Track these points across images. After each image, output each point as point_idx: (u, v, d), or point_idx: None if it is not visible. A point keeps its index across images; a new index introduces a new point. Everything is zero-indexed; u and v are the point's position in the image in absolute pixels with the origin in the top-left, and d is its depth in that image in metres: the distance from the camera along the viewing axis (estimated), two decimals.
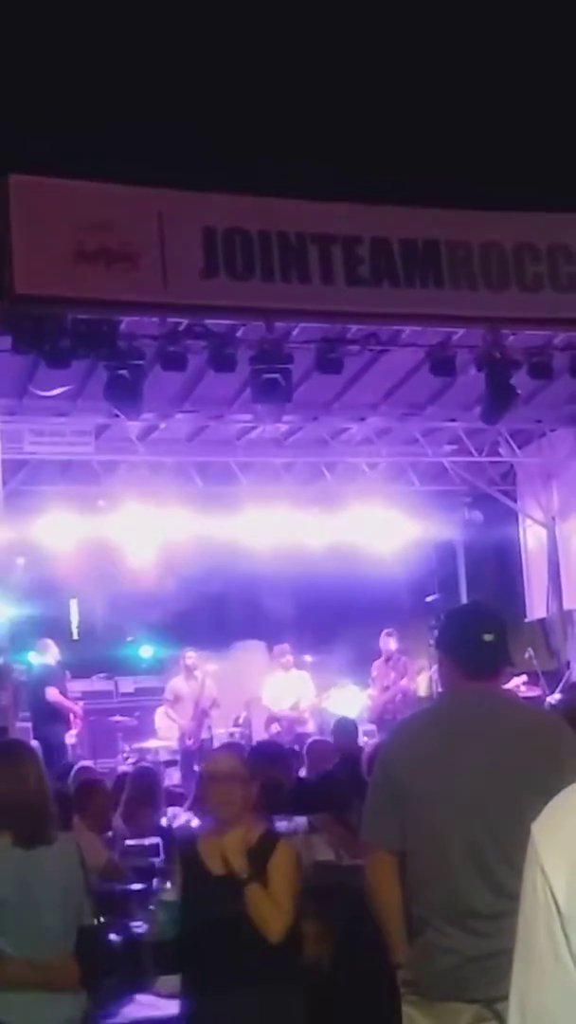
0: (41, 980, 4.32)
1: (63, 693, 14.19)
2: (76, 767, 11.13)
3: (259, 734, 14.56)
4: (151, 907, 6.32)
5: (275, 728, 14.67)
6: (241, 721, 15.33)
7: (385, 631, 15.42)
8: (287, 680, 15.21)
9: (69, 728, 14.05)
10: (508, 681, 14.17)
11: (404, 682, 15.14)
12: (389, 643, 15.32)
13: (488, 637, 4.27)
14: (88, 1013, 4.53)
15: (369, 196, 11.83)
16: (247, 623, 16.17)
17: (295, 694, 15.09)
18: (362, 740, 12.62)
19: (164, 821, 8.85)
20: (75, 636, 16.07)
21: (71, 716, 14.15)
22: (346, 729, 12.57)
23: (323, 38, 16.20)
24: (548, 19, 15.25)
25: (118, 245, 10.49)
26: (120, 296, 10.68)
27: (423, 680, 15.63)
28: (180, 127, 15.39)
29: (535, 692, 14.30)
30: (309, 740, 12.69)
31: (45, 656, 14.40)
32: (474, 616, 4.51)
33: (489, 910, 3.88)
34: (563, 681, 15.09)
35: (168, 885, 6.41)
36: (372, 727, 14.34)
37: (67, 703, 14.10)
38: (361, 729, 13.88)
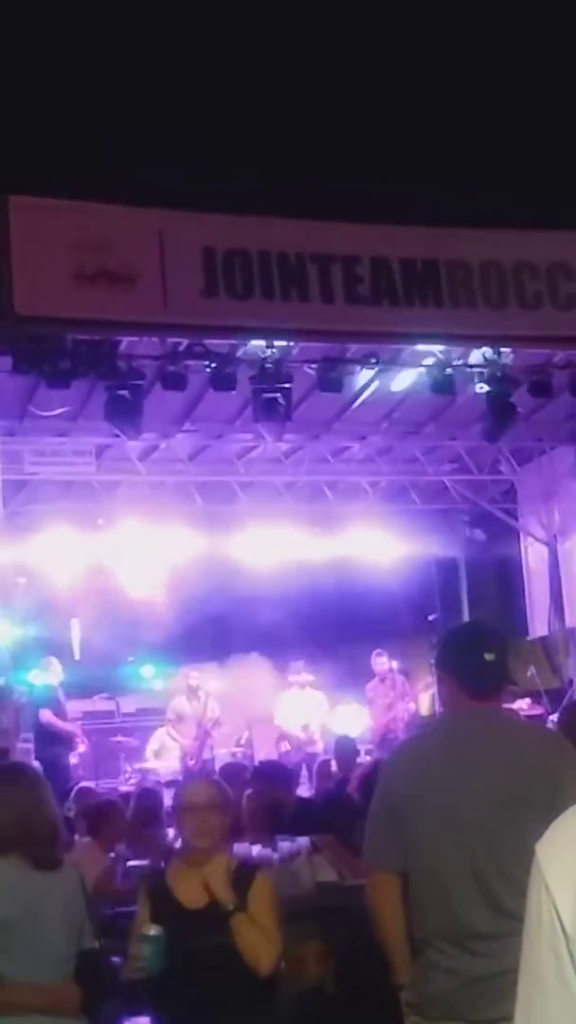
0: (44, 1004, 4.30)
1: (60, 714, 14.14)
2: (76, 787, 11.13)
3: (261, 753, 14.54)
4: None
5: (285, 747, 14.63)
6: (243, 741, 15.29)
7: (375, 652, 15.42)
8: (301, 698, 15.18)
9: (72, 749, 14.00)
10: (512, 701, 14.25)
11: (406, 701, 15.12)
12: (380, 663, 15.31)
13: (489, 656, 4.26)
14: None
15: (368, 215, 11.84)
16: (249, 642, 16.15)
17: (307, 713, 15.06)
18: (362, 759, 12.59)
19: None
20: (76, 656, 16.02)
21: (74, 737, 14.10)
22: (345, 748, 12.55)
23: (322, 58, 16.25)
24: (545, 36, 15.30)
25: (118, 266, 10.50)
26: (120, 316, 10.68)
27: (425, 699, 15.62)
28: (179, 147, 15.43)
29: (538, 711, 14.27)
30: (319, 760, 12.64)
31: (48, 674, 14.37)
32: (475, 635, 4.48)
33: (490, 930, 3.87)
34: (566, 699, 15.05)
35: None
36: (372, 747, 14.32)
37: (60, 724, 14.02)
38: (362, 749, 13.87)
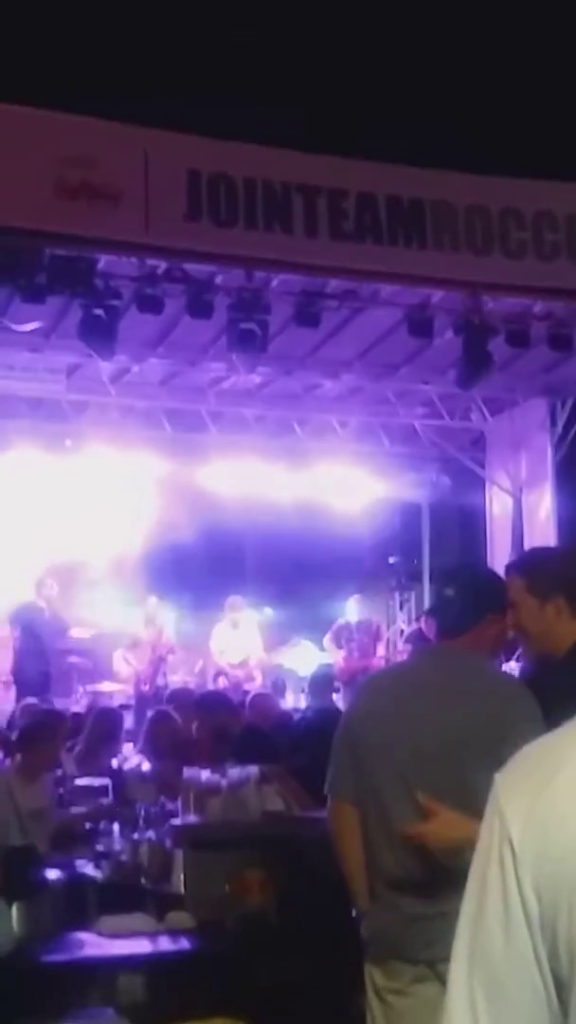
0: None
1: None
2: (22, 705, 11.12)
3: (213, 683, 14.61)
4: (98, 847, 6.34)
5: (222, 682, 14.67)
6: (197, 670, 15.35)
7: (355, 597, 15.51)
8: (235, 634, 15.21)
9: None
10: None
11: (377, 646, 15.28)
12: (359, 608, 15.42)
13: (448, 591, 4.23)
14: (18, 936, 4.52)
15: (357, 151, 11.72)
16: (209, 573, 16.14)
17: (244, 649, 15.08)
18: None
19: (115, 763, 8.85)
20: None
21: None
22: (320, 680, 12.44)
23: None
24: None
25: (101, 182, 10.34)
26: (100, 234, 10.53)
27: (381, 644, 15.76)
28: (169, 67, 15.20)
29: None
30: (251, 694, 12.61)
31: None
32: (444, 572, 4.48)
33: (431, 871, 3.87)
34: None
35: (116, 826, 6.44)
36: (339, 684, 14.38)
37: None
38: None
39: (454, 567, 4.65)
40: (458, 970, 1.51)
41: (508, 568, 4.48)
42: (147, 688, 14.06)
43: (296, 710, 12.54)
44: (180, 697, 11.40)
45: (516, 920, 1.46)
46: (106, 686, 14.49)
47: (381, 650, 15.53)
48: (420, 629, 14.78)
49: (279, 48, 15.45)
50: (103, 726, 9.16)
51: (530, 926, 1.45)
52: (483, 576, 4.51)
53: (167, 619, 15.07)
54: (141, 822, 6.36)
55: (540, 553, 5.03)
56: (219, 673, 15.01)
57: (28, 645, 13.97)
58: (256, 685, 14.41)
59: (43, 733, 7.75)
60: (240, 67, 15.59)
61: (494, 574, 4.48)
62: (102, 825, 6.64)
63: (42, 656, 14.00)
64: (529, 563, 4.48)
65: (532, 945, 1.45)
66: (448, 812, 3.48)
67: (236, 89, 14.88)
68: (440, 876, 3.81)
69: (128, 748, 9.52)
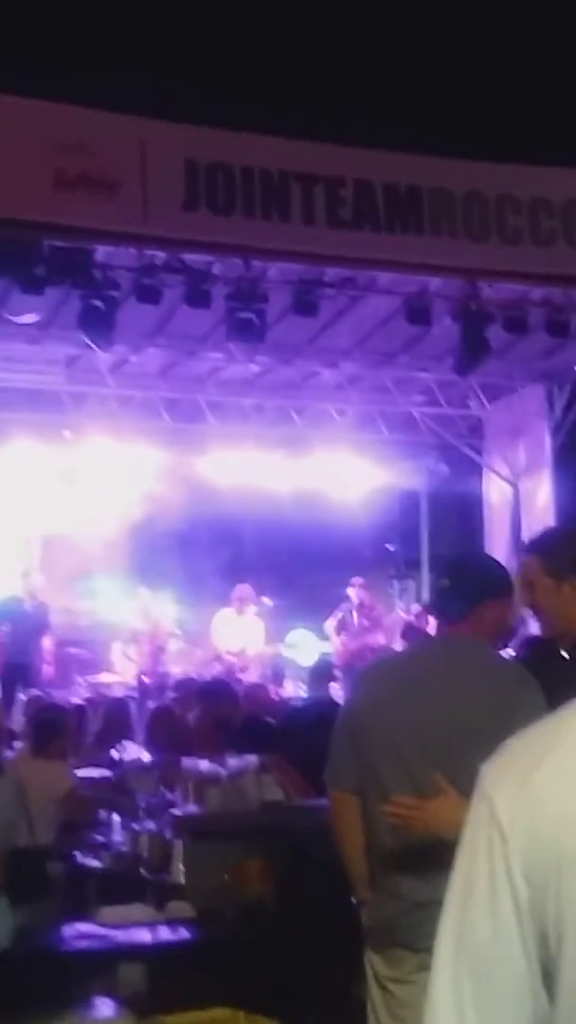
0: None
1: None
2: (29, 697, 11.12)
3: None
4: (98, 837, 6.36)
5: (217, 668, 14.64)
6: (197, 660, 15.33)
7: (357, 581, 15.50)
8: (240, 623, 15.18)
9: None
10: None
11: (378, 632, 15.26)
12: (360, 592, 15.41)
13: (444, 582, 4.24)
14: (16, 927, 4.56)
15: (354, 139, 11.70)
16: (208, 562, 16.13)
17: (244, 639, 15.06)
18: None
19: (115, 754, 8.85)
20: (36, 567, 15.94)
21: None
22: (322, 673, 12.43)
23: None
24: None
25: (99, 172, 10.33)
26: (99, 225, 10.52)
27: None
28: (165, 56, 15.18)
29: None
30: (244, 684, 12.60)
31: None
32: (440, 564, 4.49)
33: (435, 857, 3.87)
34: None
35: (116, 817, 6.45)
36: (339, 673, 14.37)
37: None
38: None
39: (448, 558, 4.64)
40: (443, 957, 1.53)
41: (524, 548, 4.47)
42: (148, 679, 14.06)
43: (294, 699, 12.54)
44: (186, 686, 11.40)
45: (504, 907, 1.48)
46: (106, 677, 14.49)
47: (381, 638, 15.53)
48: (411, 622, 14.84)
49: (276, 37, 15.42)
50: (114, 718, 9.16)
51: (518, 912, 1.46)
52: (475, 562, 4.52)
53: (165, 610, 15.05)
54: (141, 813, 6.37)
55: (556, 533, 5.00)
56: (215, 659, 14.98)
57: (10, 638, 13.94)
58: (250, 676, 14.39)
59: (57, 726, 7.77)
60: (237, 56, 15.56)
61: (488, 559, 4.48)
62: (102, 816, 6.66)
63: (23, 648, 13.94)
64: (545, 543, 4.46)
65: (520, 932, 1.46)
66: (452, 793, 3.48)
67: (233, 78, 14.85)
68: (442, 864, 3.80)
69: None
